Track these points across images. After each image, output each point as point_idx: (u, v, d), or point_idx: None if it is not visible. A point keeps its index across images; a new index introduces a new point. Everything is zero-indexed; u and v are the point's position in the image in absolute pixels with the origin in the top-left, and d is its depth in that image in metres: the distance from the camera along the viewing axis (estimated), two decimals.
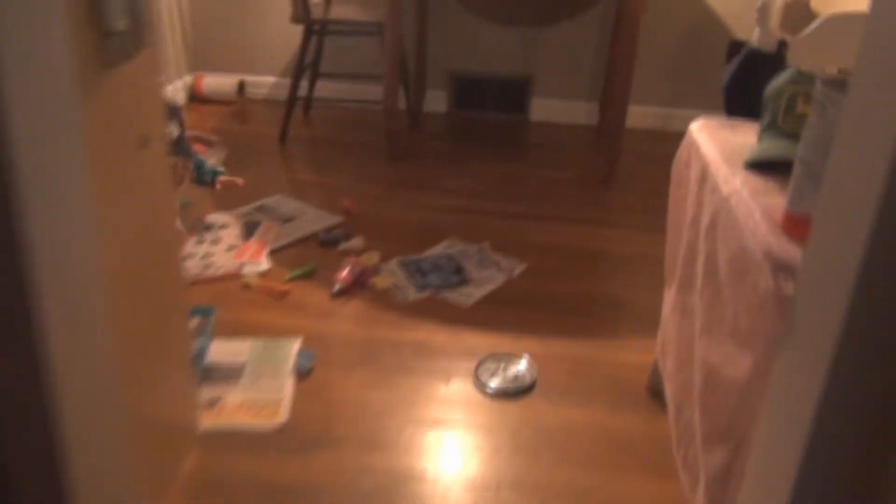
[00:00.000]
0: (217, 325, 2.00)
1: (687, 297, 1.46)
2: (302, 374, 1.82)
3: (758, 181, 1.24)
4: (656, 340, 1.77)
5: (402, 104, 3.57)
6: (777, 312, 1.02)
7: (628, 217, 2.74)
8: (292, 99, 3.26)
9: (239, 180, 2.47)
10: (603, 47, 3.54)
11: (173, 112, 2.37)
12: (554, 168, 3.15)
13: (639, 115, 3.57)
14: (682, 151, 1.56)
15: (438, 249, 2.42)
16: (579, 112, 3.65)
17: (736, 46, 3.42)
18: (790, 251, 1.02)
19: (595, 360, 1.93)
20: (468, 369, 1.87)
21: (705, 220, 1.31)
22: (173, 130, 2.33)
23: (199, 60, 3.83)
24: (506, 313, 2.11)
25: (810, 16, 2.90)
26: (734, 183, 1.24)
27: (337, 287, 2.16)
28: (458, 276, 2.26)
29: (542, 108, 3.68)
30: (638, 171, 3.15)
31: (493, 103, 3.69)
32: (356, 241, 2.41)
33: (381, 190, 2.87)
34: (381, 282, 2.22)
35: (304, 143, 3.34)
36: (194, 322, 1.91)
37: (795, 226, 1.05)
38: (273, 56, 3.77)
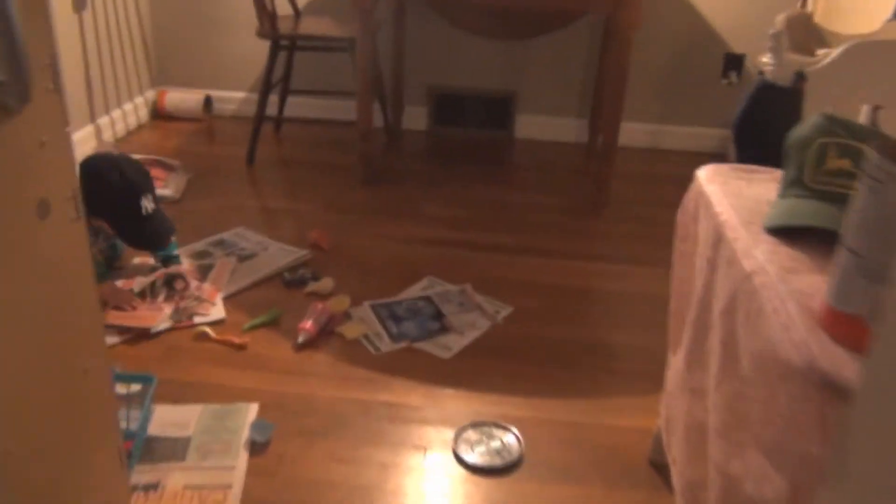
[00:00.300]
0: (163, 386, 1.78)
1: (696, 375, 1.26)
2: (257, 448, 1.60)
3: (785, 253, 1.04)
4: (658, 403, 1.57)
5: (379, 121, 3.37)
6: (823, 435, 0.81)
7: (619, 248, 2.54)
8: (260, 118, 3.04)
9: (187, 271, 2.26)
10: (592, 61, 3.34)
11: (143, 176, 2.13)
12: (540, 192, 2.95)
13: (629, 133, 3.37)
14: (688, 201, 1.35)
15: (416, 290, 2.21)
16: (567, 129, 3.45)
17: (732, 60, 3.24)
18: (837, 360, 0.81)
19: (589, 424, 1.73)
20: (447, 439, 1.66)
21: (721, 297, 1.10)
22: (147, 206, 2.09)
23: (163, 75, 3.60)
24: (489, 367, 1.90)
25: (814, 31, 2.71)
26: (756, 256, 1.03)
27: (301, 338, 1.94)
28: (438, 322, 2.05)
29: (528, 125, 3.48)
30: (629, 195, 2.95)
31: (475, 120, 3.49)
32: (324, 282, 2.19)
33: (355, 219, 2.65)
34: (350, 331, 2.00)
35: (274, 165, 3.12)
36: (135, 389, 1.69)
37: (840, 325, 0.85)
38: (241, 70, 3.54)
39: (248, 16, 3.40)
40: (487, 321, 2.07)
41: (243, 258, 2.33)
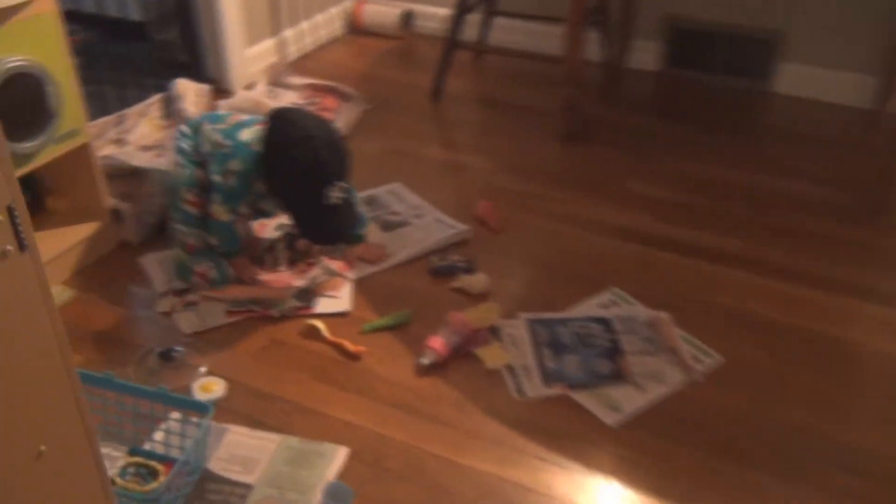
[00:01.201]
0: (246, 398, 1.43)
1: None
2: None
3: None
4: None
5: (600, 56, 2.74)
6: None
7: None
8: (452, 44, 2.55)
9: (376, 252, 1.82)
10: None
11: (339, 156, 1.60)
12: (799, 177, 2.20)
13: None
14: None
15: (591, 307, 1.66)
16: (849, 88, 2.60)
17: None
18: None
19: None
20: None
21: None
22: (334, 195, 1.56)
23: None
24: (670, 455, 1.34)
25: None
26: None
27: (426, 359, 1.50)
28: (611, 362, 1.51)
29: (795, 78, 2.66)
30: None
31: (723, 64, 2.74)
32: (478, 279, 1.71)
33: (539, 188, 2.12)
34: (491, 357, 1.52)
35: (463, 102, 2.64)
36: (216, 393, 1.35)
37: None
38: None
39: None
40: (682, 375, 1.49)
41: (391, 226, 1.90)
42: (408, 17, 3.12)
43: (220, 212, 1.64)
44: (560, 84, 2.33)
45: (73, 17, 2.78)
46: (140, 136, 2.30)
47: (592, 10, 2.41)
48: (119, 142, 2.25)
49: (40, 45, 1.54)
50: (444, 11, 3.09)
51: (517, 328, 1.60)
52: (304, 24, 2.93)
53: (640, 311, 1.64)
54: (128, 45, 2.59)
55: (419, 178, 2.14)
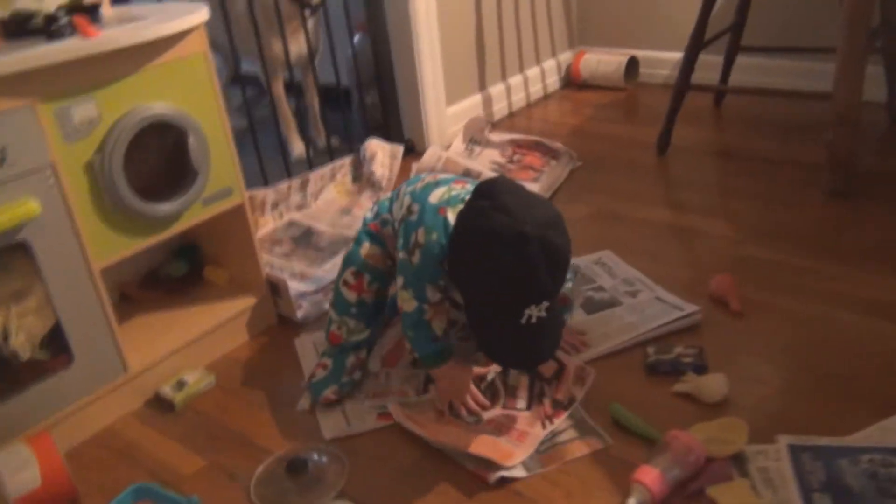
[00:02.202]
0: None
1: None
2: None
3: None
4: None
5: (879, 95, 2.15)
6: None
7: None
8: (682, 87, 2.11)
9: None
10: None
11: (558, 270, 1.12)
12: None
13: None
14: None
15: (891, 433, 1.11)
16: None
17: None
18: None
19: None
20: None
21: None
22: (534, 314, 1.09)
23: (583, 32, 2.87)
24: None
25: None
26: None
27: (634, 501, 1.04)
28: None
29: None
30: None
31: None
32: (712, 382, 1.23)
33: (799, 257, 1.59)
34: (730, 499, 1.03)
35: (696, 155, 2.16)
36: None
37: None
38: (680, 23, 2.61)
39: None
40: None
41: (595, 306, 1.47)
42: (632, 65, 2.72)
43: (403, 298, 1.21)
44: (825, 129, 1.79)
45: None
46: (325, 201, 2.11)
47: (873, 32, 1.85)
48: (301, 207, 2.07)
49: (186, 91, 1.35)
50: (675, 56, 2.66)
51: (774, 458, 1.09)
52: (514, 80, 2.64)
53: None
54: (331, 110, 2.45)
55: (635, 245, 1.70)
